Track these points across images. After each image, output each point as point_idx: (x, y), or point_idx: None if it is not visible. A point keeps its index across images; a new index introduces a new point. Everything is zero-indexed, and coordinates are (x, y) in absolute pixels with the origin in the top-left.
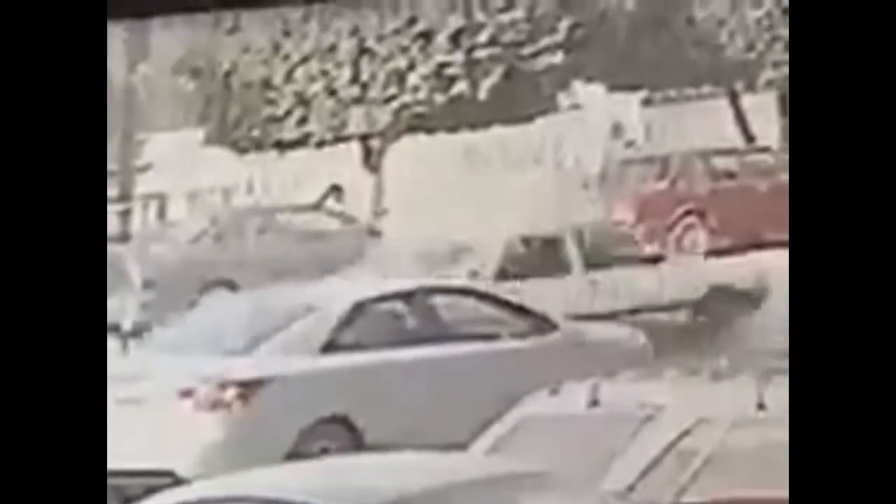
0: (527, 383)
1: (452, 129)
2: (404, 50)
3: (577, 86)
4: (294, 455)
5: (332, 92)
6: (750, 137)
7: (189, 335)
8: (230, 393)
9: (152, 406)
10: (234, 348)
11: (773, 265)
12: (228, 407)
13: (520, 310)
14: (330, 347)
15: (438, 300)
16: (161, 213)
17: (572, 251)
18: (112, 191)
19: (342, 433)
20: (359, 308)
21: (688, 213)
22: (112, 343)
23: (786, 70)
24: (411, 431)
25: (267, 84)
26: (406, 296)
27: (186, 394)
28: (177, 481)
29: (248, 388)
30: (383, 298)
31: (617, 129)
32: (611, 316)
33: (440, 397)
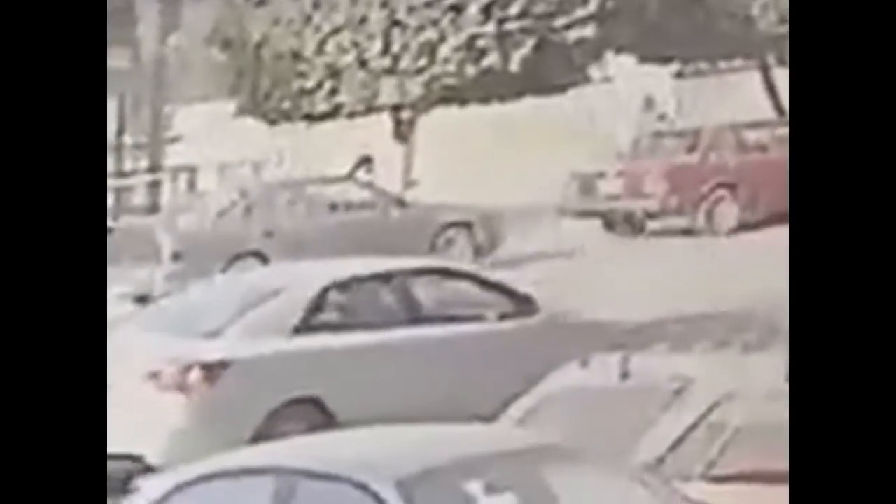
0: (506, 365)
1: (484, 101)
2: (435, 22)
3: (609, 58)
4: (260, 437)
5: (363, 63)
6: (781, 111)
7: (167, 316)
8: (194, 375)
9: (121, 388)
10: (206, 330)
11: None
12: (193, 389)
13: (502, 290)
14: (302, 329)
15: (417, 281)
16: (191, 184)
17: None
18: (142, 162)
19: (313, 414)
20: (333, 289)
21: (719, 185)
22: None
23: None
24: (386, 413)
25: (298, 56)
26: (383, 277)
27: (153, 376)
28: (146, 466)
29: (213, 370)
30: (358, 280)
31: (649, 102)
32: None
33: (416, 380)
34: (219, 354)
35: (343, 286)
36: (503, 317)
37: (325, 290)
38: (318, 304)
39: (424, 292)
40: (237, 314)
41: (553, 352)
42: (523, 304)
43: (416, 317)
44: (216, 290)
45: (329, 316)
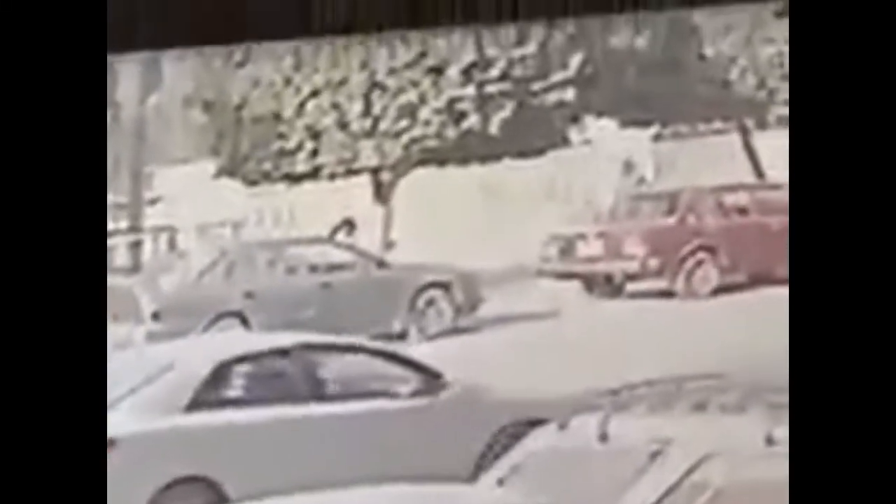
0: (409, 444)
1: (463, 163)
2: (415, 84)
3: (589, 121)
4: None
5: (343, 125)
6: (760, 174)
7: None
8: None
9: None
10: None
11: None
12: None
13: (412, 366)
14: (196, 405)
15: (321, 356)
16: (171, 244)
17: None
18: (122, 223)
19: (203, 494)
20: (231, 364)
21: (698, 248)
22: None
23: None
24: (280, 492)
25: (278, 117)
26: (282, 352)
27: None
28: None
29: None
30: (258, 355)
31: (628, 165)
32: None
33: (315, 458)
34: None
35: (242, 361)
36: (414, 394)
37: (222, 365)
38: (213, 380)
39: (328, 368)
40: (131, 389)
41: (459, 430)
42: (433, 380)
43: (318, 393)
44: (123, 362)
45: (226, 392)
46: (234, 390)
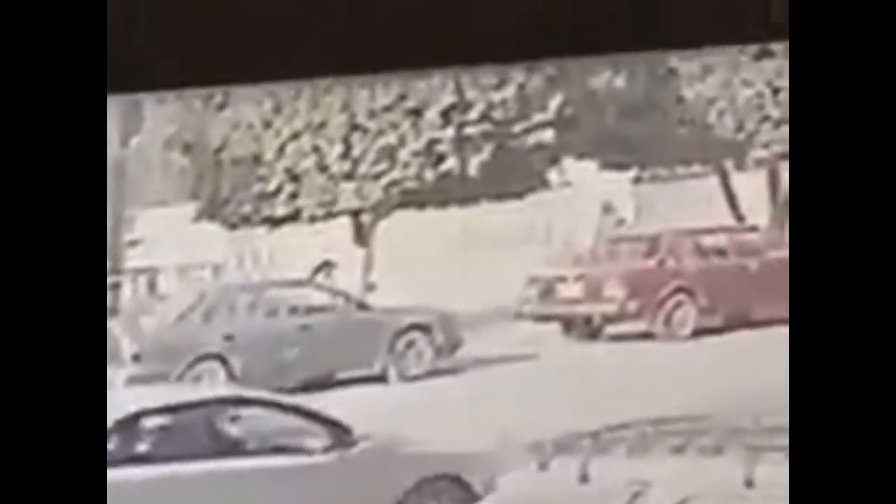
0: (319, 500)
1: (442, 205)
2: (395, 126)
3: (568, 163)
4: None
5: (323, 168)
6: (740, 216)
7: None
8: None
9: None
10: None
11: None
12: None
13: (323, 421)
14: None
15: (228, 411)
16: (151, 287)
17: None
18: None
19: None
20: (133, 420)
21: (677, 290)
22: None
23: (776, 149)
24: None
25: (258, 160)
26: (187, 407)
27: None
28: None
29: None
30: (166, 409)
31: (607, 207)
32: None
33: None
34: None
35: (151, 414)
36: (325, 449)
37: (130, 418)
38: (122, 434)
39: (233, 423)
40: None
41: (369, 485)
42: (344, 434)
43: (227, 449)
44: None
45: (134, 447)
46: (143, 445)
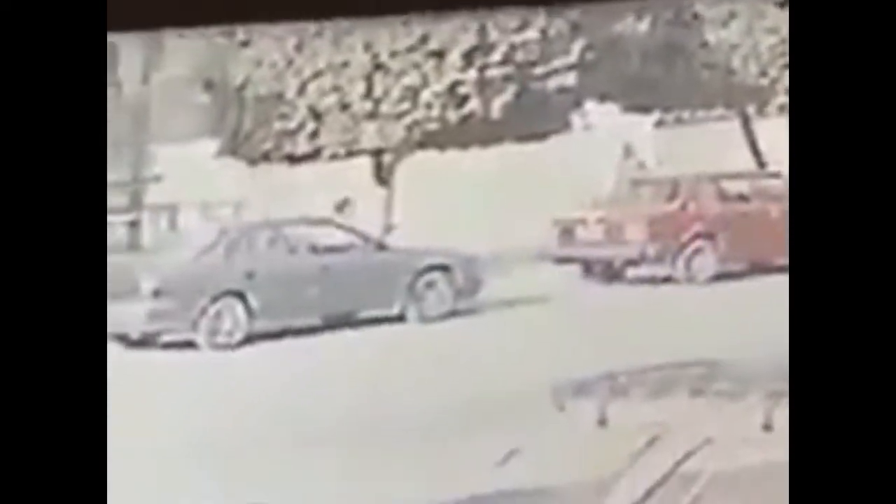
0: None
1: (464, 147)
2: (417, 67)
3: (590, 106)
4: None
5: (344, 106)
6: (762, 162)
7: None
8: None
9: None
10: None
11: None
12: None
13: None
14: None
15: None
16: (172, 223)
17: None
18: (122, 200)
19: None
20: None
21: (698, 235)
22: (118, 352)
23: None
24: None
25: (280, 97)
26: None
27: None
28: None
29: None
30: None
31: (628, 150)
32: None
33: None
34: None
35: None
36: None
37: None
38: None
39: None
40: None
41: None
42: None
43: None
44: None
45: None
46: None
